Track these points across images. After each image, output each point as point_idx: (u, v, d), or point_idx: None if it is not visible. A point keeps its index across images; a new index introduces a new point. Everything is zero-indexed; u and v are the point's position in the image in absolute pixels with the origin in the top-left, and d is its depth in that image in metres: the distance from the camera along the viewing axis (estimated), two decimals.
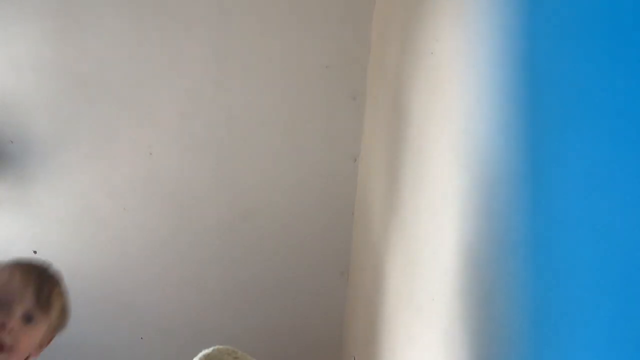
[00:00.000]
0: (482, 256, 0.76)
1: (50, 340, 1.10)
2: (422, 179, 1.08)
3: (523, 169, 0.65)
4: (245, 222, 2.13)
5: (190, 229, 2.11)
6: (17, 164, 2.03)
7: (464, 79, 0.88)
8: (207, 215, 2.14)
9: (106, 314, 2.18)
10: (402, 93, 1.36)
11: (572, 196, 0.53)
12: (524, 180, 0.65)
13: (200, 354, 0.60)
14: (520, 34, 0.68)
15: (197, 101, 1.99)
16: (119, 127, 2.01)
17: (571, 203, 0.53)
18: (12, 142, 2.00)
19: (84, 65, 1.92)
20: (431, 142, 1.05)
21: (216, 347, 0.61)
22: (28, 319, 1.00)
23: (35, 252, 2.15)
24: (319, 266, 2.22)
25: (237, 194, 2.12)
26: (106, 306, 2.14)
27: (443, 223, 0.93)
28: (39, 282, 1.04)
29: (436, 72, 1.05)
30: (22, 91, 1.95)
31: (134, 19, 1.87)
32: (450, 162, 0.92)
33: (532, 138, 0.63)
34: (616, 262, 0.45)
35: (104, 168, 2.06)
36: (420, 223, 1.09)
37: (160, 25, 1.89)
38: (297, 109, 2.02)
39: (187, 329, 2.22)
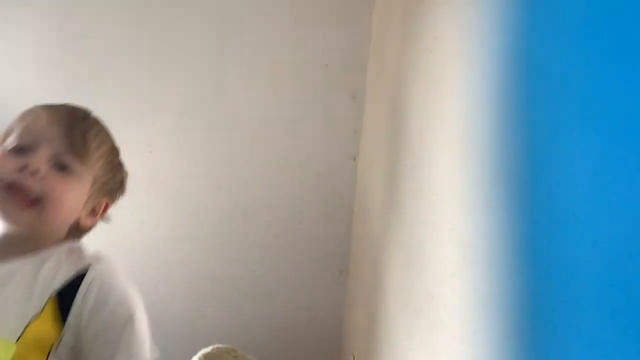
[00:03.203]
0: (481, 255, 0.76)
1: (104, 205, 0.93)
2: (422, 178, 1.08)
3: (523, 168, 0.65)
4: (245, 221, 2.13)
5: (189, 227, 2.10)
6: None
7: (463, 78, 0.88)
8: (206, 214, 2.14)
9: None
10: (401, 92, 1.35)
11: (572, 195, 0.53)
12: (523, 179, 0.64)
13: (200, 353, 0.60)
14: (520, 33, 0.68)
15: (196, 99, 1.99)
16: (118, 124, 2.00)
17: (571, 202, 0.53)
18: None
19: (83, 63, 1.92)
20: (431, 141, 1.05)
21: (215, 345, 0.61)
22: (60, 165, 0.83)
23: None
24: (318, 265, 2.22)
25: (237, 193, 2.12)
26: None
27: (442, 222, 0.93)
28: (70, 119, 0.86)
29: (436, 71, 1.05)
30: (21, 89, 1.95)
31: (133, 18, 1.87)
32: (450, 161, 0.92)
33: (532, 137, 0.63)
34: (617, 262, 0.46)
35: None
36: (419, 222, 1.09)
37: (160, 23, 1.89)
38: (297, 108, 2.02)
39: (186, 328, 2.22)
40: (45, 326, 0.70)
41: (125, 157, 2.07)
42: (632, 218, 0.43)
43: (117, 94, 1.97)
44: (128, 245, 2.16)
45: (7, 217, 0.79)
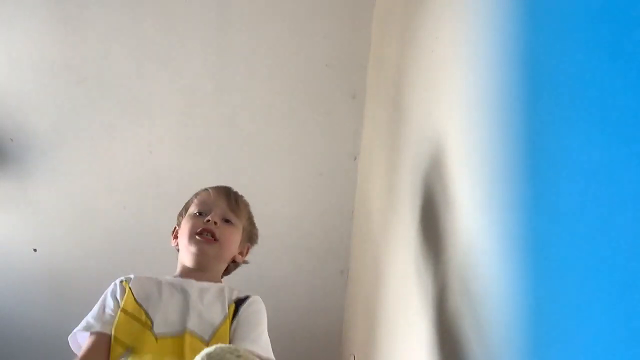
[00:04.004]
0: (482, 254, 0.76)
1: (247, 248, 1.40)
2: (422, 177, 1.09)
3: (523, 168, 0.65)
4: None
5: None
6: (17, 161, 2.03)
7: (464, 77, 0.88)
8: None
9: None
10: (402, 91, 1.36)
11: (572, 195, 0.53)
12: (524, 178, 0.65)
13: (203, 353, 0.61)
14: (521, 33, 0.69)
15: (197, 99, 1.99)
16: (118, 125, 2.01)
17: (571, 202, 0.54)
18: (12, 140, 2.00)
19: (84, 63, 1.92)
20: (431, 141, 1.05)
21: (219, 345, 0.62)
22: (227, 220, 1.32)
23: (35, 250, 2.15)
24: (318, 264, 2.23)
25: None
26: None
27: (443, 221, 0.93)
28: (227, 193, 1.38)
29: (436, 70, 1.05)
30: (22, 89, 1.95)
31: (133, 18, 1.87)
32: (450, 161, 0.92)
33: (532, 137, 0.64)
34: (616, 262, 0.46)
35: (104, 166, 2.06)
36: (420, 221, 1.09)
37: (160, 23, 1.89)
38: (297, 107, 2.02)
39: None
40: (229, 317, 1.20)
41: (126, 157, 2.08)
42: (633, 217, 0.44)
43: (117, 93, 1.97)
44: (127, 245, 2.16)
45: (201, 251, 1.26)
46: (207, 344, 1.13)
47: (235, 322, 1.21)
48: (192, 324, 1.17)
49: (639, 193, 0.43)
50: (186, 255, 1.30)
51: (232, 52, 1.92)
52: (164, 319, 1.17)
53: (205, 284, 1.26)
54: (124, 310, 1.17)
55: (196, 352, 1.06)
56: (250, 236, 1.41)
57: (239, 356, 0.59)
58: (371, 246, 1.71)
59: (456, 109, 0.91)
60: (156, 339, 1.13)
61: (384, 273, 1.45)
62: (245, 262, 1.42)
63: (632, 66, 0.45)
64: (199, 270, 1.28)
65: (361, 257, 1.93)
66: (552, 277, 0.56)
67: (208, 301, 1.23)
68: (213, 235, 1.28)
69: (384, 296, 1.43)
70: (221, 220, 1.31)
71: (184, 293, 1.23)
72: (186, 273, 1.29)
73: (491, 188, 0.74)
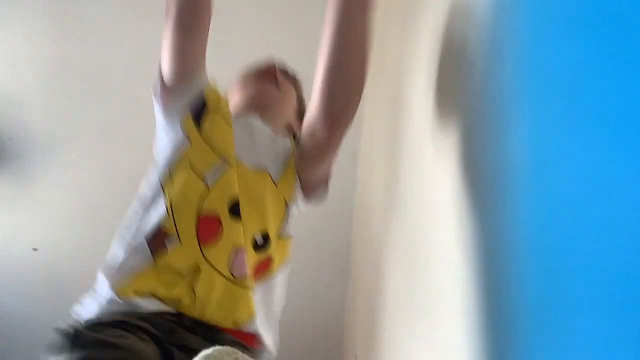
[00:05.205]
0: (482, 253, 0.76)
1: (299, 120, 1.27)
2: (422, 176, 1.08)
3: (524, 166, 0.65)
4: None
5: None
6: (16, 161, 2.03)
7: (465, 76, 0.88)
8: None
9: None
10: (401, 90, 1.35)
11: (574, 193, 0.53)
12: (525, 177, 0.64)
13: (201, 355, 0.61)
14: (522, 32, 0.68)
15: None
16: (118, 124, 2.01)
17: (573, 201, 0.53)
18: (11, 139, 2.00)
19: (83, 62, 1.92)
20: (431, 139, 1.05)
21: (216, 347, 0.62)
22: (284, 74, 1.28)
23: (35, 249, 2.15)
24: (319, 264, 2.23)
25: None
26: None
27: (443, 220, 0.93)
28: (274, 63, 1.29)
29: (436, 68, 1.05)
30: (21, 88, 1.95)
31: (133, 17, 1.87)
32: (451, 159, 0.92)
33: (533, 136, 0.63)
34: (617, 262, 0.45)
35: (104, 165, 2.06)
36: (420, 220, 1.09)
37: (159, 21, 1.88)
38: None
39: None
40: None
41: (126, 156, 2.07)
42: (633, 217, 0.43)
43: (117, 91, 1.97)
44: None
45: (262, 90, 1.22)
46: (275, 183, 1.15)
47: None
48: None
49: (639, 193, 0.43)
50: (243, 100, 1.21)
51: (231, 51, 1.91)
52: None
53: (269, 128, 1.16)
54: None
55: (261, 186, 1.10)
56: (303, 112, 1.30)
57: (236, 359, 0.59)
58: (371, 245, 1.71)
59: (456, 108, 0.91)
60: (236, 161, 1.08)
61: (384, 271, 1.45)
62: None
63: (632, 65, 0.44)
64: (259, 110, 1.19)
65: (362, 256, 1.93)
66: (554, 277, 0.56)
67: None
68: (275, 80, 1.21)
69: (384, 296, 1.43)
70: (281, 75, 1.25)
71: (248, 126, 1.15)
72: (247, 111, 1.19)
73: (491, 187, 0.74)
